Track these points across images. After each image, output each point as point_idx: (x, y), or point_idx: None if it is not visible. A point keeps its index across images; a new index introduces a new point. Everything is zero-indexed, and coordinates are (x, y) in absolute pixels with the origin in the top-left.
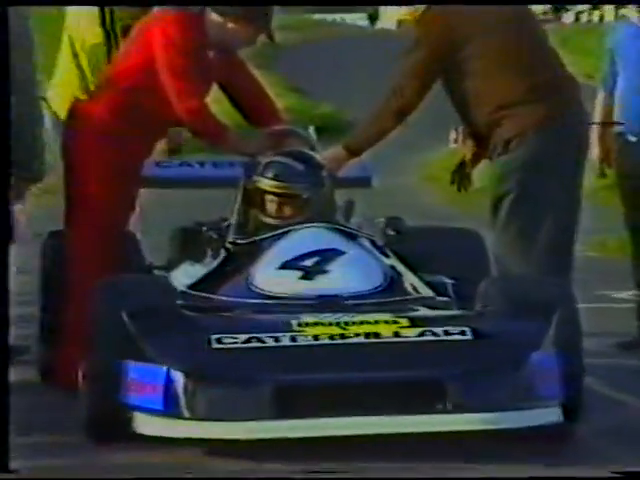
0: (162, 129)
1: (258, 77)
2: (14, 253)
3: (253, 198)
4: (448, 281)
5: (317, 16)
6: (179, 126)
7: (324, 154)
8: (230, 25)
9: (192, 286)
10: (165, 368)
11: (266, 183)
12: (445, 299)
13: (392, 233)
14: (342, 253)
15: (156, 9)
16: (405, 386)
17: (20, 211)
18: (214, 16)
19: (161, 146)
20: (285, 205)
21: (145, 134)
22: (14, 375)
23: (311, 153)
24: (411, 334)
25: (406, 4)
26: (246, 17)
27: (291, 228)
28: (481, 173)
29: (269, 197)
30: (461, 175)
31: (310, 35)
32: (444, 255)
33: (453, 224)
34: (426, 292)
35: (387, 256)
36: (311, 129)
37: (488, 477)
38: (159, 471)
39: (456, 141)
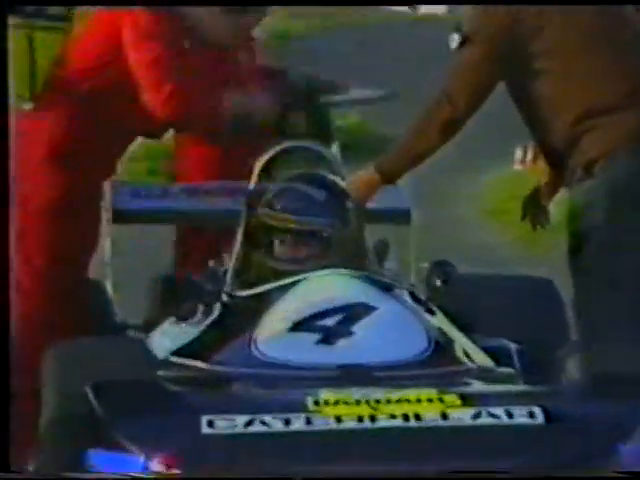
0: (126, 141)
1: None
2: None
3: (258, 236)
4: (512, 346)
5: None
6: (149, 134)
7: (350, 179)
8: (210, 17)
9: (177, 352)
10: (142, 458)
11: (275, 217)
12: (508, 370)
13: (439, 283)
14: (373, 309)
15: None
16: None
17: None
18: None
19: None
20: (300, 246)
21: (105, 150)
22: None
23: (333, 178)
24: (463, 416)
25: (406, 4)
26: (230, 10)
27: (306, 276)
28: (556, 203)
29: (279, 235)
30: (535, 208)
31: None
32: (507, 312)
33: (519, 271)
34: (483, 361)
35: (432, 313)
36: (334, 146)
37: (488, 477)
38: None
39: (523, 162)
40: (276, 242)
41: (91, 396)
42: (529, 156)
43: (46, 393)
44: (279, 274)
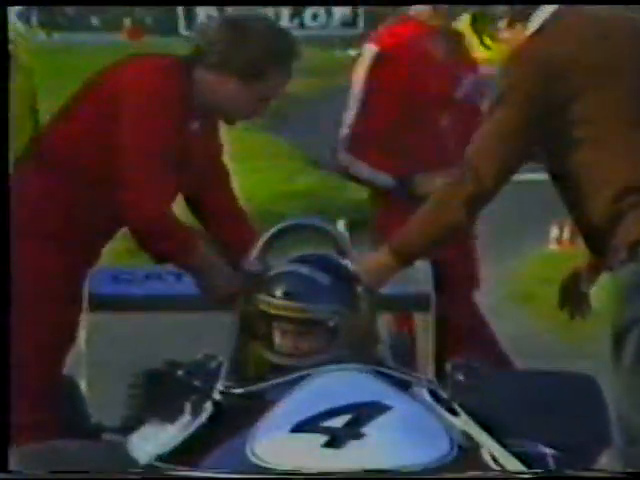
0: (114, 226)
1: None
2: None
3: (255, 326)
4: (547, 451)
5: (349, 52)
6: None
7: (361, 261)
8: (223, 84)
9: (162, 457)
10: None
11: (275, 305)
12: (543, 478)
13: (463, 379)
14: (386, 409)
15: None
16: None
17: None
18: (202, 71)
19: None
20: (303, 337)
21: (90, 233)
22: None
23: (340, 260)
24: None
25: (406, 4)
26: (248, 74)
27: (310, 371)
28: (597, 288)
29: (279, 325)
30: (574, 294)
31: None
32: (541, 413)
33: (555, 365)
34: (514, 467)
35: (455, 414)
36: (341, 224)
37: (488, 477)
38: None
39: (560, 241)
40: (276, 332)
41: None
42: (566, 235)
43: None
44: (280, 369)
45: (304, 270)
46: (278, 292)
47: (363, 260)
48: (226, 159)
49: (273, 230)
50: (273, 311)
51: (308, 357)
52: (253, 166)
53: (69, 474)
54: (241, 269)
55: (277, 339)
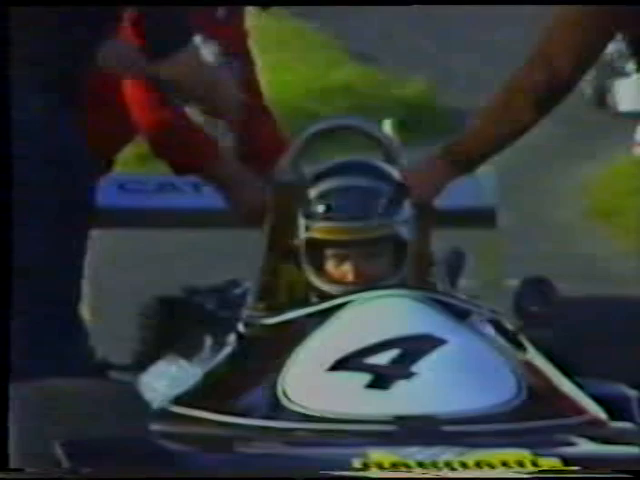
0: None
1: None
2: None
3: (301, 251)
4: (632, 393)
5: None
6: None
7: (412, 168)
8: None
9: (179, 399)
10: None
11: (329, 229)
12: (628, 426)
13: (533, 308)
14: (441, 343)
15: None
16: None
17: None
18: None
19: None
20: (363, 261)
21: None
22: None
23: (386, 166)
24: None
25: (406, 4)
26: None
27: (352, 299)
28: None
29: (334, 250)
30: None
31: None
32: (627, 349)
33: (635, 290)
34: (593, 412)
35: (523, 349)
36: (387, 124)
37: (489, 477)
38: None
39: None
40: (329, 259)
41: (62, 457)
42: None
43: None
44: (317, 296)
45: (352, 183)
46: (331, 213)
47: (414, 167)
48: (253, 48)
49: (307, 133)
50: (321, 236)
51: (369, 284)
52: (283, 59)
53: (69, 474)
54: (271, 180)
55: (330, 267)
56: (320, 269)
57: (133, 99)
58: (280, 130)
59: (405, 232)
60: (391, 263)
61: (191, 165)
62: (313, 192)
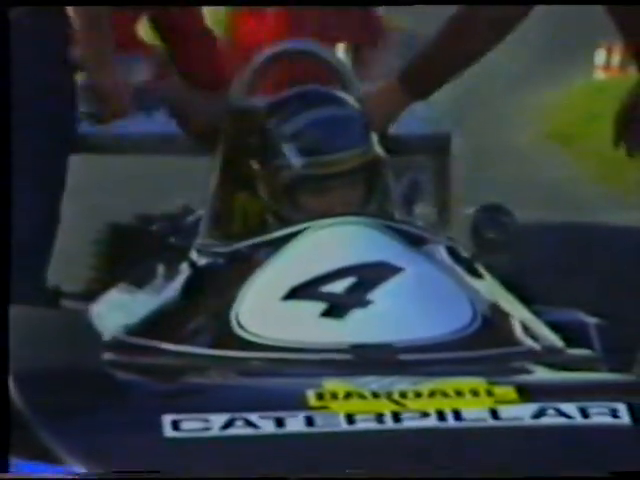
0: None
1: None
2: None
3: (270, 186)
4: (590, 321)
5: None
6: None
7: (366, 94)
8: None
9: (131, 328)
10: (82, 472)
11: (294, 165)
12: (584, 353)
13: (489, 235)
14: (397, 270)
15: None
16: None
17: None
18: None
19: None
20: (333, 191)
21: None
22: None
23: (344, 94)
24: (521, 413)
25: (405, 4)
26: None
27: (306, 226)
28: None
29: (306, 184)
30: (633, 127)
31: None
32: (583, 275)
33: (599, 217)
34: (549, 340)
35: (479, 276)
36: (340, 49)
37: (488, 477)
38: None
39: (607, 67)
40: (309, 193)
41: (13, 388)
42: (615, 60)
43: None
44: (272, 224)
45: (324, 114)
46: (302, 150)
47: (370, 94)
48: None
49: (262, 57)
50: (304, 171)
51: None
52: None
53: (70, 474)
54: (223, 104)
55: (308, 199)
56: (296, 203)
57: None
58: (221, 51)
59: (381, 157)
60: (370, 190)
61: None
62: (287, 128)
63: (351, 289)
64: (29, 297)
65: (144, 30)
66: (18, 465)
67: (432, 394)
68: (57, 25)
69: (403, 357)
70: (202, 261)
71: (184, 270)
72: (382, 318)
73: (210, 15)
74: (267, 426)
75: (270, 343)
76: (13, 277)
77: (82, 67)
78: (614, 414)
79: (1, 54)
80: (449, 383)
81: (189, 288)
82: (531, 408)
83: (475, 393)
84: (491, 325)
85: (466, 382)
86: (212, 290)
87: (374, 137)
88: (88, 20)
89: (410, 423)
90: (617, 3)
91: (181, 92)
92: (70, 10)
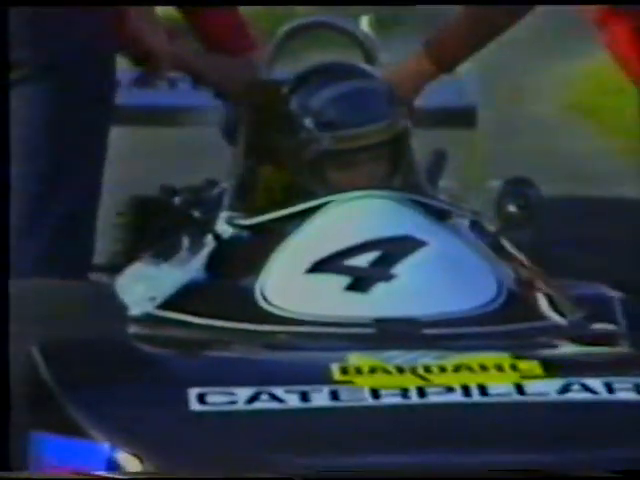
0: None
1: None
2: None
3: (295, 159)
4: (615, 295)
5: None
6: None
7: (391, 68)
8: None
9: (156, 301)
10: (106, 447)
11: (328, 138)
12: (609, 327)
13: (514, 209)
14: (421, 245)
15: None
16: (536, 478)
17: None
18: None
19: None
20: (360, 165)
21: None
22: None
23: (367, 66)
24: (546, 389)
25: (406, 4)
26: None
27: (331, 199)
28: None
29: (333, 158)
30: None
31: None
32: (609, 249)
33: (626, 192)
34: (574, 314)
35: (504, 250)
36: (365, 21)
37: (488, 477)
38: None
39: None
40: (335, 166)
41: (39, 359)
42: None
43: None
44: (297, 197)
45: (350, 87)
46: (328, 124)
47: (394, 67)
48: None
49: (283, 30)
50: (330, 146)
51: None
52: None
53: (71, 474)
54: (252, 69)
55: (330, 173)
56: (321, 177)
57: None
58: (246, 21)
59: (407, 131)
60: (395, 163)
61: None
62: (312, 102)
63: (375, 263)
64: (78, 269)
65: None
66: (45, 439)
67: (457, 369)
68: None
69: (427, 331)
70: (227, 234)
71: (209, 243)
72: (406, 292)
73: None
74: (292, 400)
75: (294, 317)
76: (59, 249)
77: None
78: (639, 390)
79: (1, 54)
80: (474, 358)
81: (214, 261)
82: (556, 383)
83: (500, 368)
84: (516, 299)
85: (491, 357)
86: (237, 263)
87: (400, 110)
88: None
89: (435, 398)
90: (620, 3)
91: (207, 59)
92: None
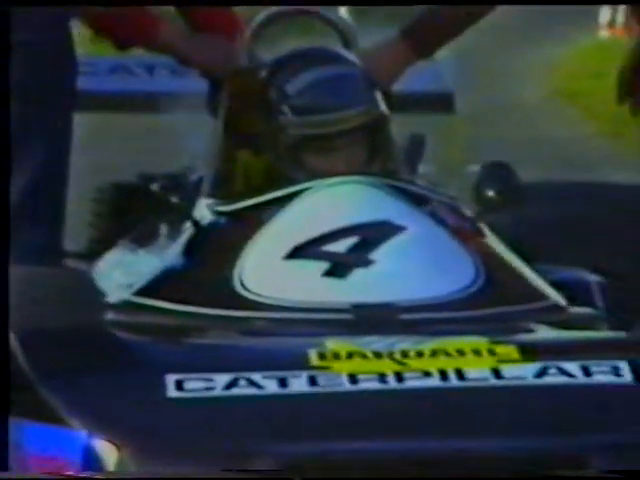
0: None
1: None
2: None
3: (275, 144)
4: (593, 279)
5: None
6: None
7: (369, 53)
8: None
9: (134, 288)
10: (84, 434)
11: (304, 123)
12: (586, 311)
13: (492, 194)
14: (399, 230)
15: None
16: (513, 463)
17: None
18: None
19: None
20: (339, 151)
21: None
22: None
23: (346, 52)
24: (523, 373)
25: (406, 4)
26: None
27: (309, 185)
28: None
29: (310, 143)
30: (637, 86)
31: None
32: (587, 233)
33: (604, 177)
34: (552, 298)
35: (482, 235)
36: (342, 10)
37: (488, 477)
38: None
39: (612, 25)
40: (313, 151)
41: (16, 347)
42: (620, 19)
43: None
44: (275, 183)
45: (328, 72)
46: (305, 108)
47: (372, 52)
48: None
49: (262, 16)
50: (309, 130)
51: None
52: None
53: (71, 474)
54: (238, 49)
55: (312, 158)
56: (300, 162)
57: None
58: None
59: (385, 116)
60: (373, 149)
61: (134, 37)
62: (290, 86)
63: (353, 248)
64: (41, 256)
65: None
66: (23, 426)
67: (434, 354)
68: None
69: (405, 317)
70: (205, 220)
71: (187, 229)
72: (384, 277)
73: None
74: (270, 386)
75: (272, 302)
76: (24, 235)
77: None
78: (616, 372)
79: (2, 54)
80: (451, 343)
81: (192, 247)
82: (533, 367)
83: (477, 352)
84: (494, 284)
85: (468, 341)
86: (215, 249)
87: (378, 95)
88: None
89: (413, 383)
90: (615, 3)
91: (194, 41)
92: None
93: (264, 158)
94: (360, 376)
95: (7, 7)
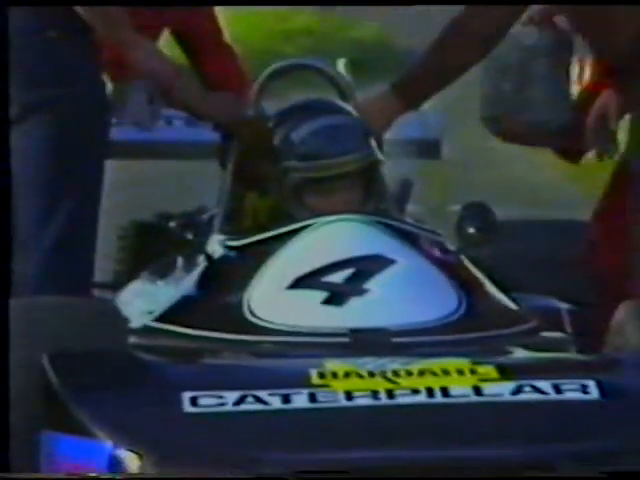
0: None
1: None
2: None
3: (281, 186)
4: (563, 306)
5: None
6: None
7: (363, 104)
8: None
9: (154, 315)
10: (108, 445)
11: (307, 167)
12: (557, 335)
13: (473, 231)
14: (390, 262)
15: None
16: (492, 469)
17: None
18: None
19: None
20: (338, 191)
21: None
22: None
23: (342, 103)
24: (501, 390)
25: (406, 4)
26: None
27: (310, 222)
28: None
29: (311, 184)
30: (602, 132)
31: None
32: (557, 266)
33: (574, 215)
34: (527, 323)
35: (463, 267)
36: (341, 63)
37: (488, 477)
38: None
39: (580, 79)
40: (314, 193)
41: (48, 368)
42: (587, 73)
43: None
44: (279, 220)
45: (328, 122)
46: (307, 153)
47: (366, 103)
48: None
49: (268, 71)
50: (310, 174)
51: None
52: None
53: (72, 474)
54: (236, 114)
55: (312, 199)
56: (302, 202)
57: None
58: (241, 65)
59: (379, 161)
60: (368, 190)
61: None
62: (294, 135)
63: (350, 279)
64: (74, 287)
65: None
66: (55, 438)
67: (422, 373)
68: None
69: (396, 340)
70: (217, 254)
71: (201, 262)
72: (377, 305)
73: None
74: (274, 402)
75: (278, 328)
76: (61, 269)
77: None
78: (584, 390)
79: (1, 53)
80: (437, 363)
81: (205, 278)
82: (510, 385)
83: (460, 372)
84: (475, 311)
85: (452, 362)
86: (226, 280)
87: (373, 142)
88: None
89: (402, 399)
90: (616, 3)
91: (208, 96)
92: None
93: (270, 198)
94: (355, 393)
95: (7, 7)
